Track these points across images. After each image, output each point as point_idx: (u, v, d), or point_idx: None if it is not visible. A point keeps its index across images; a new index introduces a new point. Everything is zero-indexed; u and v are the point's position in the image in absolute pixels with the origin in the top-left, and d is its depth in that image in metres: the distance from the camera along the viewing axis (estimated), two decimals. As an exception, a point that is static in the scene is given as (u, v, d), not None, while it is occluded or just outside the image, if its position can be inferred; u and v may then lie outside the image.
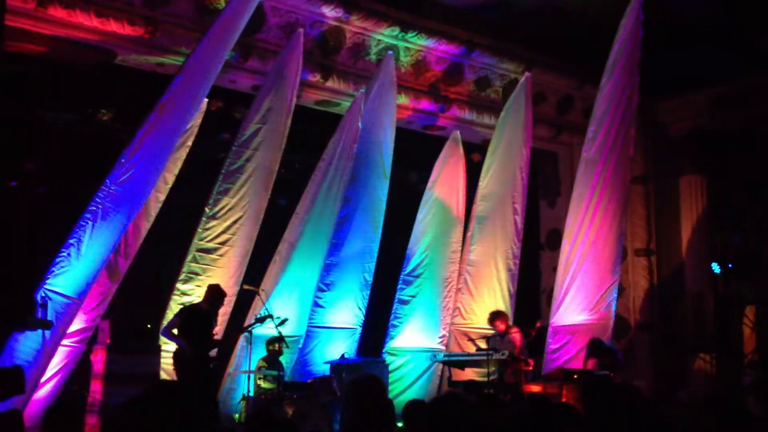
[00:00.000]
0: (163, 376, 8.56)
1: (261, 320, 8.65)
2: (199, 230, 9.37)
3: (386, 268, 10.83)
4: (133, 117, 8.51)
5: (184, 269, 9.30)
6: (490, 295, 10.82)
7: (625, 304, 12.17)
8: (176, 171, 9.35)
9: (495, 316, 9.93)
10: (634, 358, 11.89)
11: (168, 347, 8.58)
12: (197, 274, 9.32)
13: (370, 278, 10.35)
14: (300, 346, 9.75)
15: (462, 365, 9.85)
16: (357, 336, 10.25)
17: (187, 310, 8.55)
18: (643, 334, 12.28)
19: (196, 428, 3.08)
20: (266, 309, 8.73)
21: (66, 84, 8.95)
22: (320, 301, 10.00)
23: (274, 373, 8.66)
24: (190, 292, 9.23)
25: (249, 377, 8.54)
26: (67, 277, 7.56)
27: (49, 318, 7.36)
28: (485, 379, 9.16)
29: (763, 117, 11.39)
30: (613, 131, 9.97)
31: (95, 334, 8.46)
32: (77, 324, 8.25)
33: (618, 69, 9.92)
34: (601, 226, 9.99)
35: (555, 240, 11.96)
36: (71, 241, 7.57)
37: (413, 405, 4.46)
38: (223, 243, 9.42)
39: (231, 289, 9.25)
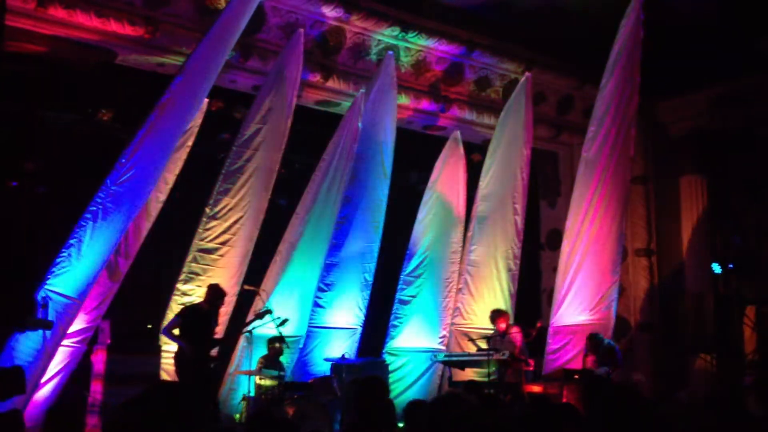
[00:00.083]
0: (164, 376, 8.57)
1: (260, 316, 8.66)
2: (200, 230, 9.38)
3: (386, 268, 10.81)
4: (133, 117, 8.51)
5: (185, 269, 9.31)
6: (491, 295, 10.81)
7: (626, 304, 12.15)
8: (177, 171, 9.34)
9: (497, 315, 9.95)
10: (634, 358, 11.89)
11: (169, 347, 8.60)
12: (197, 274, 9.33)
13: (370, 278, 10.34)
14: (300, 346, 9.74)
15: (462, 365, 9.85)
16: (357, 336, 10.24)
17: (188, 311, 8.57)
18: (644, 334, 12.27)
19: (196, 428, 3.09)
20: (266, 306, 8.75)
21: (66, 84, 8.94)
22: (320, 302, 9.99)
23: (275, 373, 8.67)
24: (190, 293, 9.23)
25: (249, 377, 8.55)
26: (67, 278, 7.55)
27: (49, 318, 7.35)
28: (486, 379, 9.15)
29: (763, 117, 11.38)
30: (613, 131, 9.98)
31: (96, 335, 8.45)
32: (78, 324, 8.24)
33: (618, 69, 9.93)
34: (602, 226, 9.99)
35: (555, 240, 11.95)
36: (72, 241, 7.56)
37: (414, 405, 4.47)
38: (223, 243, 9.42)
39: (231, 289, 9.25)
